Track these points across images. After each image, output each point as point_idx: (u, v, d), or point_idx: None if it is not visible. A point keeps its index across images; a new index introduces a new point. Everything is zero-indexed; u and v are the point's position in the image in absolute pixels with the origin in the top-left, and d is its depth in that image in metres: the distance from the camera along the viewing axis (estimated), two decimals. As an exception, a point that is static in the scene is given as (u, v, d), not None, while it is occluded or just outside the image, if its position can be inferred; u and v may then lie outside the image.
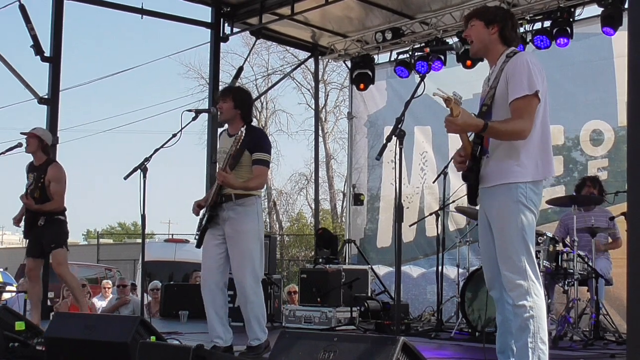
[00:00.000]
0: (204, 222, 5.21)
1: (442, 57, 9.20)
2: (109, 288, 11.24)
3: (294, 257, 26.86)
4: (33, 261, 6.78)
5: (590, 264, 6.35)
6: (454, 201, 7.58)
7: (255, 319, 5.15)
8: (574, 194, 7.02)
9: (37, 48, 8.53)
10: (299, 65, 15.97)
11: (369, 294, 8.31)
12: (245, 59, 13.41)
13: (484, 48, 3.90)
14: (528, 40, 8.48)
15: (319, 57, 11.27)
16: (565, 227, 7.01)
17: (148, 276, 14.09)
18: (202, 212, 5.28)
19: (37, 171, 6.73)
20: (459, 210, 7.44)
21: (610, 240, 7.01)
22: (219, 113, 5.30)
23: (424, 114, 9.73)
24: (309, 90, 26.72)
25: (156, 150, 5.53)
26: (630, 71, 3.07)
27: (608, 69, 8.29)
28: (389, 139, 3.77)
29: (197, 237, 5.33)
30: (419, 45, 9.78)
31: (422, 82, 3.91)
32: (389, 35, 9.75)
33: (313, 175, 13.19)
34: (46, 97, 8.63)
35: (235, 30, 10.34)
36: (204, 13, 10.34)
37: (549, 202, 7.08)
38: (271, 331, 7.17)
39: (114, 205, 76.45)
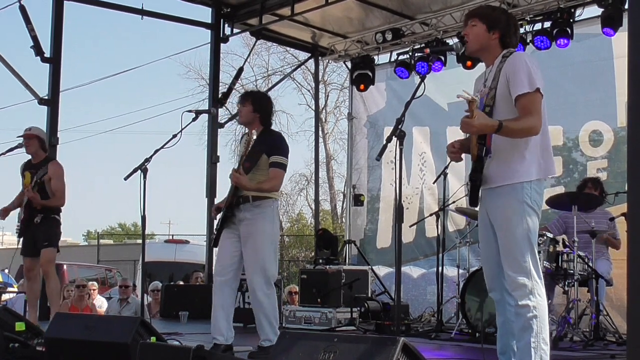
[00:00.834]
0: (219, 223, 5.27)
1: (443, 58, 9.20)
2: (94, 290, 11.04)
3: (294, 257, 26.85)
4: (30, 260, 6.80)
5: (591, 264, 6.35)
6: (454, 202, 7.58)
7: (265, 319, 5.15)
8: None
9: (37, 49, 8.53)
10: (299, 66, 15.99)
11: (369, 295, 8.31)
12: (246, 60, 13.45)
13: (482, 50, 3.93)
14: (528, 40, 8.48)
15: (319, 57, 11.27)
16: (564, 224, 6.99)
17: (148, 277, 14.10)
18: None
19: (35, 169, 6.76)
20: (459, 210, 7.44)
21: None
22: (238, 116, 5.35)
23: (423, 114, 9.74)
24: (309, 91, 26.71)
25: (156, 150, 5.54)
26: (631, 72, 3.08)
27: (608, 69, 8.29)
28: (389, 140, 3.77)
29: (214, 237, 5.43)
30: (419, 46, 9.78)
31: (423, 83, 3.91)
32: (389, 36, 9.75)
33: (313, 175, 13.19)
34: (46, 97, 8.62)
35: (235, 31, 10.34)
36: (204, 14, 10.35)
37: (548, 202, 7.07)
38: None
39: (114, 206, 76.44)
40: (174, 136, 5.56)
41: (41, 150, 6.87)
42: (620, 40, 7.84)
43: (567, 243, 6.58)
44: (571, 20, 8.33)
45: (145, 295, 8.77)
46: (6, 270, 18.31)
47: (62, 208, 6.88)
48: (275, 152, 5.18)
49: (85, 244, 41.71)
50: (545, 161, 3.78)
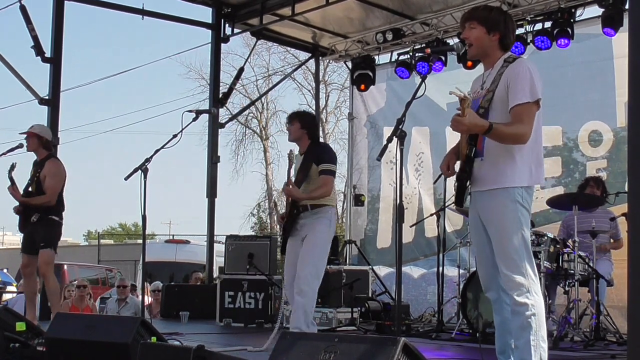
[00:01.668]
0: (282, 233, 5.82)
1: (443, 58, 9.20)
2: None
3: (295, 257, 26.82)
4: (28, 258, 6.75)
5: (591, 264, 6.35)
6: (454, 202, 7.57)
7: (302, 308, 5.47)
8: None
9: (38, 49, 8.52)
10: (299, 66, 16.00)
11: (370, 295, 8.32)
12: (246, 60, 13.42)
13: (483, 53, 3.92)
14: (529, 40, 8.48)
15: (320, 57, 11.28)
16: (567, 229, 7.00)
17: (149, 277, 14.12)
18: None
19: (36, 166, 6.75)
20: (459, 211, 7.43)
21: (612, 241, 7.02)
22: (288, 135, 5.85)
23: (423, 114, 9.74)
24: (309, 91, 26.73)
25: (157, 150, 5.54)
26: (631, 72, 3.08)
27: (607, 69, 8.28)
28: (389, 140, 3.77)
29: (280, 244, 6.00)
30: (419, 46, 9.78)
31: (423, 83, 3.91)
32: (389, 36, 9.74)
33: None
34: (47, 97, 8.61)
35: (235, 31, 10.34)
36: (205, 14, 10.37)
37: (548, 202, 7.08)
38: (271, 332, 7.19)
39: (114, 206, 76.55)
40: (175, 136, 5.57)
41: (42, 148, 6.82)
42: (620, 40, 7.84)
43: (567, 243, 6.58)
44: (572, 21, 8.33)
45: (145, 295, 8.79)
46: (5, 270, 18.35)
47: (63, 207, 6.82)
48: (322, 161, 5.67)
49: (85, 244, 41.76)
50: (536, 167, 3.80)
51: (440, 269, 7.27)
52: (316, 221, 5.65)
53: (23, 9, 8.60)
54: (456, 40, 9.35)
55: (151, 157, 5.45)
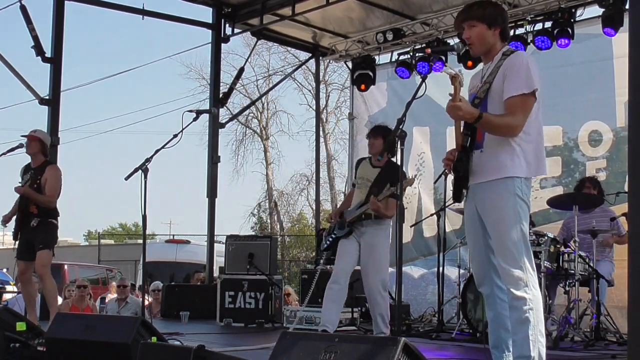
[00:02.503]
0: (341, 234, 6.19)
1: (443, 58, 9.19)
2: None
3: (295, 257, 26.85)
4: (24, 264, 6.75)
5: (592, 264, 6.35)
6: (454, 202, 7.56)
7: (380, 317, 6.01)
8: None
9: (38, 49, 8.52)
10: (300, 66, 16.00)
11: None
12: (246, 60, 13.47)
13: (486, 48, 3.94)
14: (529, 40, 8.47)
15: (320, 57, 11.28)
16: (567, 229, 7.00)
17: (149, 277, 14.12)
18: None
19: (34, 171, 6.74)
20: (459, 211, 7.42)
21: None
22: (370, 147, 6.23)
23: (423, 114, 9.73)
24: (310, 91, 26.71)
25: (157, 150, 5.54)
26: (631, 72, 3.08)
27: (607, 69, 8.28)
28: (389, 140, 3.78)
29: (328, 241, 6.36)
30: (420, 46, 9.78)
31: (424, 83, 3.92)
32: (390, 36, 9.74)
33: (314, 175, 13.15)
34: (47, 97, 8.61)
35: (236, 31, 10.34)
36: (205, 14, 10.35)
37: (549, 202, 7.08)
38: (272, 332, 7.21)
39: (115, 206, 76.40)
40: (175, 136, 5.57)
41: (41, 154, 6.85)
42: (621, 40, 7.83)
43: (568, 243, 6.58)
44: (572, 21, 8.32)
45: (146, 295, 8.79)
46: (4, 270, 18.33)
47: (59, 212, 6.81)
48: (395, 184, 5.89)
49: (86, 244, 41.71)
50: (537, 159, 3.80)
51: (441, 269, 7.27)
52: (380, 233, 6.08)
53: (23, 9, 8.59)
54: (456, 40, 9.33)
55: (151, 157, 5.45)
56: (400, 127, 3.77)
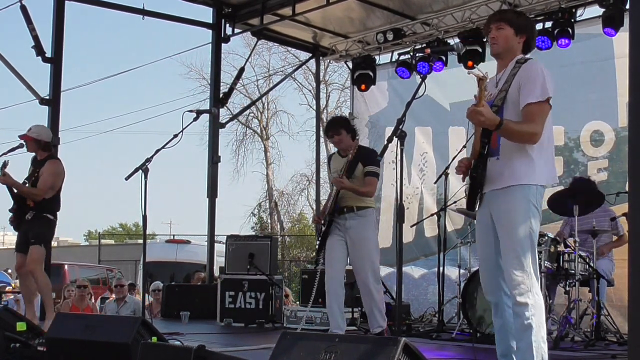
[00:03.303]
0: (324, 227, 6.06)
1: (444, 58, 9.18)
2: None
3: (295, 257, 26.85)
4: (22, 257, 6.64)
5: (592, 264, 6.35)
6: (455, 202, 7.58)
7: (377, 309, 5.97)
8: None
9: (39, 49, 8.52)
10: (300, 66, 15.99)
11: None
12: (247, 60, 13.45)
13: (506, 52, 3.95)
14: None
15: (320, 57, 11.28)
16: (570, 227, 6.99)
17: (149, 277, 14.10)
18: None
19: (36, 165, 6.75)
20: (460, 211, 7.43)
21: (615, 238, 7.02)
22: (338, 145, 6.11)
23: (425, 114, 9.73)
24: (310, 91, 26.70)
25: (157, 150, 5.54)
26: (632, 71, 3.08)
27: (609, 69, 8.28)
28: (390, 140, 3.78)
29: (319, 239, 6.20)
30: (420, 46, 9.77)
31: (424, 83, 3.92)
32: (390, 36, 9.74)
33: (314, 175, 13.14)
34: (47, 97, 8.61)
35: (236, 31, 10.34)
36: (205, 14, 10.35)
37: (548, 202, 7.06)
38: (272, 332, 7.21)
39: (115, 206, 76.51)
40: (175, 136, 5.57)
41: (41, 150, 6.82)
42: (621, 40, 7.83)
43: (568, 243, 6.58)
44: (572, 20, 8.32)
45: (146, 295, 8.78)
46: (7, 271, 18.33)
47: (58, 207, 6.79)
48: (369, 163, 5.97)
49: (86, 244, 41.76)
50: (551, 167, 3.85)
51: (441, 268, 7.26)
52: (363, 225, 5.98)
53: (23, 9, 8.59)
54: (456, 40, 9.40)
55: (152, 157, 5.45)
56: (400, 127, 3.77)
